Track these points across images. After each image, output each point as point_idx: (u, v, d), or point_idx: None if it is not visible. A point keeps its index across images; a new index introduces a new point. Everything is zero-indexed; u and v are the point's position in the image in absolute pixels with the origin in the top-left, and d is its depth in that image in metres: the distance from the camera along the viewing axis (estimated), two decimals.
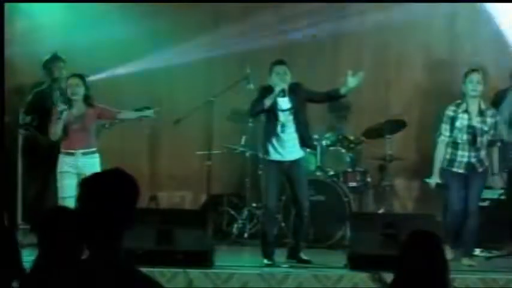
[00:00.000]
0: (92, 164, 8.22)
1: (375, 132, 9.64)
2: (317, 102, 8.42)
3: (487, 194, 8.82)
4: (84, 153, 8.26)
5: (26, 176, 9.58)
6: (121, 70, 10.17)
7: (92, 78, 8.77)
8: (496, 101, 8.98)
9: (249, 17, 10.23)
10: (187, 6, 10.20)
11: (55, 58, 9.14)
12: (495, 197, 8.94)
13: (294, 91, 8.02)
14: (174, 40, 10.24)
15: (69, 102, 8.33)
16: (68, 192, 8.04)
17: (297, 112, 8.01)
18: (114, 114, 8.57)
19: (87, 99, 8.37)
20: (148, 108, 9.08)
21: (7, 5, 9.83)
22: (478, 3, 10.18)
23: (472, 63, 8.95)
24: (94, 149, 8.34)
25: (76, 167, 8.17)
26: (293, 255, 8.09)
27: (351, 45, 10.47)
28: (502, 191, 8.84)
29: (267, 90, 8.04)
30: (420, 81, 10.37)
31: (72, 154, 8.25)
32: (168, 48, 10.26)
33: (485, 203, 8.76)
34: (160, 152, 10.61)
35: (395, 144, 9.71)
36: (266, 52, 9.66)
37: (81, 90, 8.31)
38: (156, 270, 7.26)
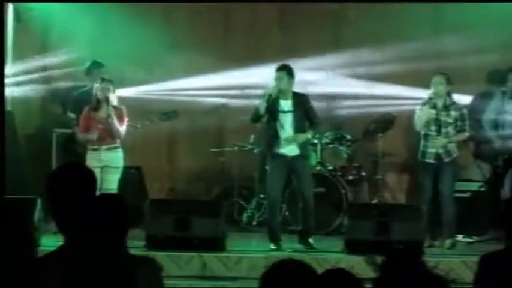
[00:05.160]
0: (115, 157, 8.30)
1: (371, 133, 9.63)
2: (308, 121, 8.26)
3: (468, 186, 8.87)
4: (108, 149, 8.31)
5: None
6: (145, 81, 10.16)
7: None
8: (480, 101, 9.02)
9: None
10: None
11: (96, 65, 9.10)
12: (475, 189, 8.94)
13: (298, 98, 8.12)
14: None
15: (98, 104, 8.35)
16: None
17: (296, 116, 8.09)
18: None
19: (113, 102, 8.40)
20: (174, 112, 9.16)
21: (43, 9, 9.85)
22: None
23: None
24: (117, 145, 8.36)
25: (100, 161, 8.20)
26: (303, 241, 8.12)
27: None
28: (481, 183, 8.90)
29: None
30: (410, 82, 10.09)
31: (97, 149, 8.29)
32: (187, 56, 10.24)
33: (467, 194, 8.77)
34: (179, 149, 10.55)
35: (386, 142, 9.69)
36: None
37: (109, 94, 8.29)
38: (174, 253, 7.38)
